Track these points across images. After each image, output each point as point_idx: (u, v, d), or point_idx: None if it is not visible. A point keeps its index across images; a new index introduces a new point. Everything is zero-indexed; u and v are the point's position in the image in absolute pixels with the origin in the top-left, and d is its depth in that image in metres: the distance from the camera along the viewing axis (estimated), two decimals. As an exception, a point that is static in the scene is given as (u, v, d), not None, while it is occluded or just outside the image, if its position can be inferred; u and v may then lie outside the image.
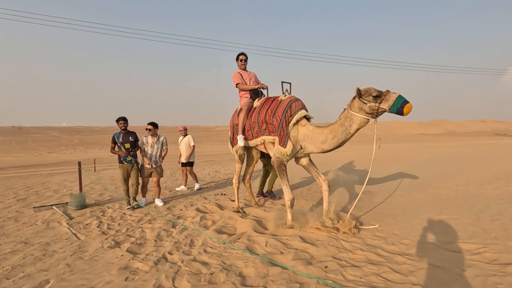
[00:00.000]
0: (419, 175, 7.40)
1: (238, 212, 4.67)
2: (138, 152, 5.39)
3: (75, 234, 3.93)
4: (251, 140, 4.34)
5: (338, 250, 3.17)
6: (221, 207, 5.12)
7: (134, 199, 5.24)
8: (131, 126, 5.38)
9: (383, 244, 3.30)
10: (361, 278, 2.56)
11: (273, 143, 3.99)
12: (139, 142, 5.32)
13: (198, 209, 4.97)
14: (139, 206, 5.17)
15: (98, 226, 4.23)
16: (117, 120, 5.10)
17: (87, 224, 4.36)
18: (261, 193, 5.74)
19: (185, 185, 6.88)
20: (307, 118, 3.90)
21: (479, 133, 49.47)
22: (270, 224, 4.02)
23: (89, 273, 2.82)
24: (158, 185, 5.47)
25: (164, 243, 3.54)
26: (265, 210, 4.82)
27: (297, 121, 3.79)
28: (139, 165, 5.34)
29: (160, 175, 5.44)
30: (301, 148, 3.86)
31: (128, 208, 5.07)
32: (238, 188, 4.91)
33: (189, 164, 6.78)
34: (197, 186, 6.88)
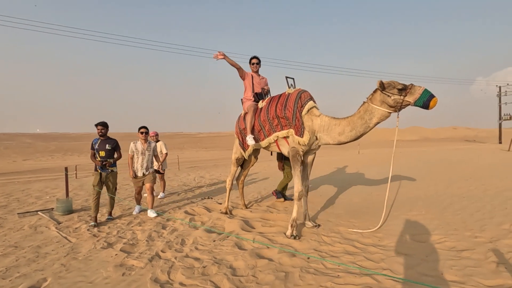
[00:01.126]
0: (395, 177, 7.93)
1: (226, 213, 4.88)
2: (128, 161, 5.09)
3: (65, 237, 4.00)
4: (263, 140, 4.30)
5: (319, 243, 3.48)
6: (208, 209, 5.31)
7: (110, 213, 4.88)
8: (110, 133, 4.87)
9: (359, 237, 3.65)
10: (339, 266, 2.88)
11: (286, 137, 4.00)
12: (129, 151, 5.05)
13: (186, 212, 5.14)
14: (95, 226, 4.47)
15: (88, 230, 4.30)
16: (96, 125, 4.70)
17: (76, 228, 4.42)
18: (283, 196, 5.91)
19: (163, 191, 6.73)
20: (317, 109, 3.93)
21: (451, 139, 52.42)
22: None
23: (85, 271, 2.95)
24: (152, 193, 5.08)
25: (156, 243, 3.70)
26: (251, 211, 5.08)
27: (308, 111, 3.82)
28: (116, 175, 4.93)
29: (153, 182, 5.21)
30: (316, 139, 3.86)
31: (92, 225, 4.45)
32: (230, 190, 5.11)
33: (159, 171, 6.53)
34: (161, 195, 6.61)
